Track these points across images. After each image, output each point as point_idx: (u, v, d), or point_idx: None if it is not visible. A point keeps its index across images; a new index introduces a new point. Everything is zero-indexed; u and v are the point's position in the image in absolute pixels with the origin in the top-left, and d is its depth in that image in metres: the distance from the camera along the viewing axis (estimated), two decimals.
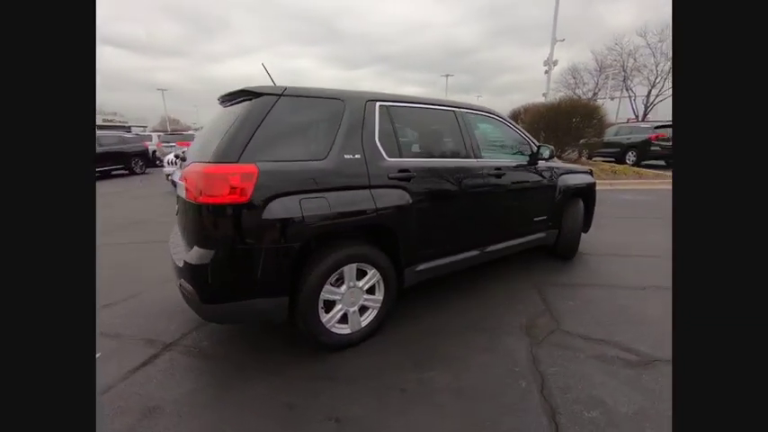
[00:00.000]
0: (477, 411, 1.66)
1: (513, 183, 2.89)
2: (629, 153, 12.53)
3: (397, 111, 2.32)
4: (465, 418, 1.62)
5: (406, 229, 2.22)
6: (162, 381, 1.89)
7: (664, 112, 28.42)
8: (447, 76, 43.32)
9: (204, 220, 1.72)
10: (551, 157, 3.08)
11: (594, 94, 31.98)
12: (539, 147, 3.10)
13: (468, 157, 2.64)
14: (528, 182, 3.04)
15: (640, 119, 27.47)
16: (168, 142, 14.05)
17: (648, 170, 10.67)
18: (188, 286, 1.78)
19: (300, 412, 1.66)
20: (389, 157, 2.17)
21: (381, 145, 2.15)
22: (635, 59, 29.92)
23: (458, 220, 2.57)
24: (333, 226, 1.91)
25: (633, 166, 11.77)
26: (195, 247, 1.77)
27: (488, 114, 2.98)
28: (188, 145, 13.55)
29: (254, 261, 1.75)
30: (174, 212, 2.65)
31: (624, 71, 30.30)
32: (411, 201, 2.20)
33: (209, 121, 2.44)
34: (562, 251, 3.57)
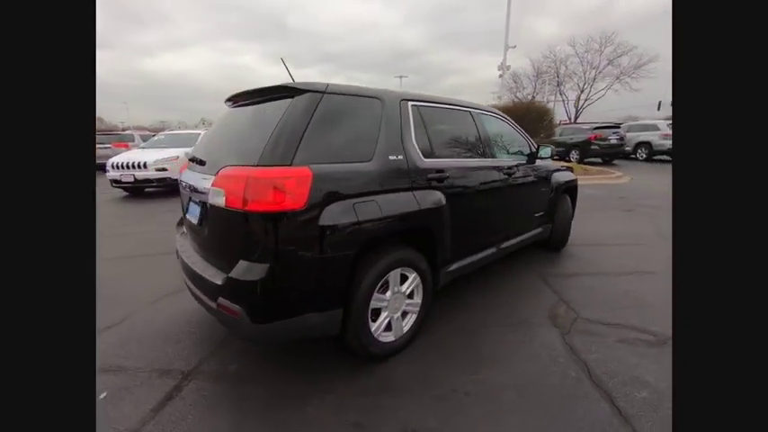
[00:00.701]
0: (543, 405, 1.70)
1: (521, 181, 3.02)
2: (573, 151, 13.81)
3: (426, 111, 2.29)
4: (537, 412, 1.65)
5: (442, 230, 2.20)
6: (199, 416, 1.66)
7: (593, 114, 31.67)
8: (401, 77, 44.09)
9: (254, 230, 1.53)
10: (551, 156, 3.27)
11: (533, 97, 34.54)
12: (538, 146, 3.27)
13: (485, 156, 2.70)
14: (532, 180, 3.20)
15: (572, 121, 30.30)
16: (103, 144, 12.41)
17: (592, 167, 11.86)
18: (232, 305, 1.58)
19: (375, 429, 1.57)
20: (425, 157, 2.14)
21: (417, 145, 2.11)
22: (566, 67, 32.98)
23: (481, 219, 2.62)
24: (383, 230, 1.83)
25: (578, 163, 13.00)
26: (241, 261, 1.57)
27: (494, 114, 3.07)
28: (125, 146, 12.11)
29: (309, 272, 1.60)
30: (177, 222, 2.36)
31: (558, 77, 33.24)
32: (445, 201, 2.19)
33: (228, 119, 2.17)
34: (555, 243, 3.82)
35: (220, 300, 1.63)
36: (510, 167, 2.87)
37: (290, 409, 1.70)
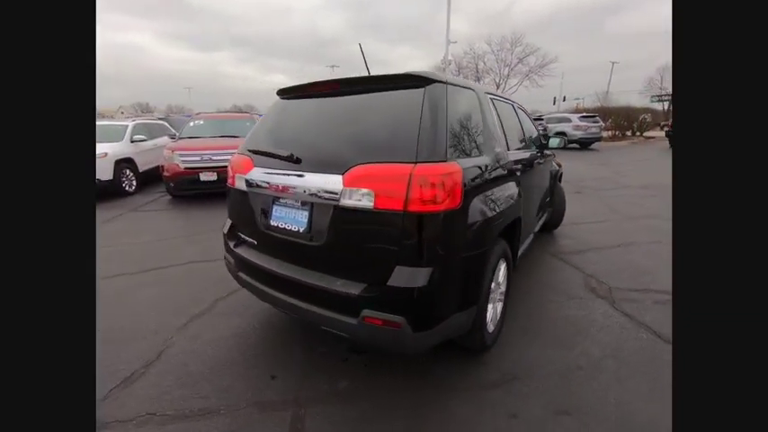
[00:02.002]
0: (642, 368, 1.93)
1: (543, 169, 3.29)
2: None
3: (497, 103, 2.33)
4: (639, 376, 1.87)
5: (521, 219, 2.30)
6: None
7: None
8: (333, 66, 42.67)
9: (415, 232, 1.41)
10: (563, 146, 3.61)
11: None
12: (548, 137, 3.59)
13: (527, 146, 2.87)
14: (548, 168, 3.50)
15: None
16: None
17: None
18: (390, 317, 1.44)
19: (530, 416, 1.61)
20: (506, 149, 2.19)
21: (503, 137, 2.15)
22: (484, 63, 35.89)
23: (530, 206, 2.79)
24: (503, 223, 1.84)
25: None
26: (399, 267, 1.44)
27: (520, 105, 3.26)
28: None
29: (462, 272, 1.55)
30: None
31: (477, 72, 36.01)
32: (520, 190, 2.29)
33: (318, 111, 1.89)
34: (553, 224, 4.26)
35: (367, 312, 1.47)
36: (539, 156, 3.10)
37: (438, 415, 1.64)
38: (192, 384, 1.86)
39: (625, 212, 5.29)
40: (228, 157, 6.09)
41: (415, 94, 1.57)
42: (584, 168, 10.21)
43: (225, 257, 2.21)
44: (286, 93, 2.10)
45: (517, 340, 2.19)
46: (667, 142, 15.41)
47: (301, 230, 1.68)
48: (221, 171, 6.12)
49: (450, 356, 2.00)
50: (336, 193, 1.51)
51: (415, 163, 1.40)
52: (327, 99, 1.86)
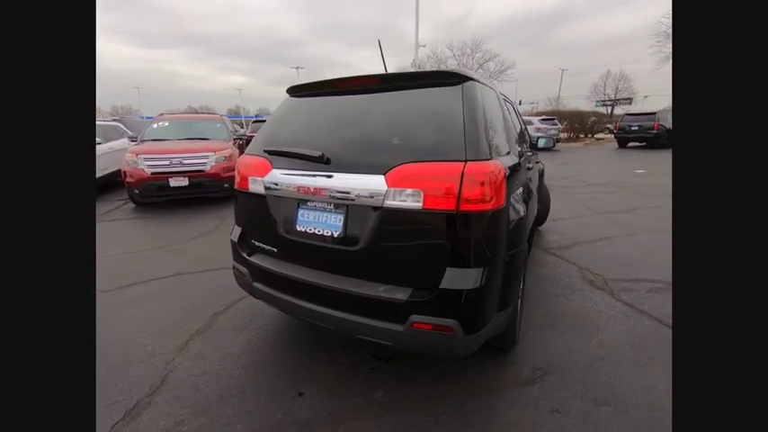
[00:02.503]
0: (657, 354, 2.04)
1: (536, 168, 3.41)
2: None
3: (506, 104, 2.37)
4: (658, 361, 1.98)
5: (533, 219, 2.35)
6: None
7: None
8: (297, 68, 41.57)
9: (467, 233, 1.37)
10: (552, 146, 3.77)
11: None
12: (537, 138, 3.73)
13: (525, 145, 2.95)
14: (538, 167, 3.63)
15: None
16: None
17: None
18: (442, 321, 1.39)
19: (571, 409, 1.63)
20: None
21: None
22: (447, 66, 36.97)
23: (535, 204, 2.87)
24: (533, 221, 1.86)
25: None
26: (450, 269, 1.39)
27: (516, 107, 3.36)
28: None
29: (506, 271, 1.53)
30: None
31: None
32: (532, 188, 2.34)
33: (345, 108, 1.80)
34: (541, 220, 4.43)
35: (416, 318, 1.41)
36: (535, 155, 3.21)
37: (483, 418, 1.61)
38: (210, 410, 1.68)
39: (595, 208, 5.65)
40: (204, 160, 5.85)
41: (453, 91, 1.54)
42: (549, 167, 10.79)
43: (234, 268, 2.04)
44: (299, 90, 1.98)
45: (537, 335, 2.23)
46: (616, 143, 16.81)
47: (336, 235, 1.58)
48: (193, 176, 5.72)
49: (477, 357, 1.98)
50: (380, 195, 1.44)
51: (465, 161, 1.36)
52: (352, 97, 1.78)
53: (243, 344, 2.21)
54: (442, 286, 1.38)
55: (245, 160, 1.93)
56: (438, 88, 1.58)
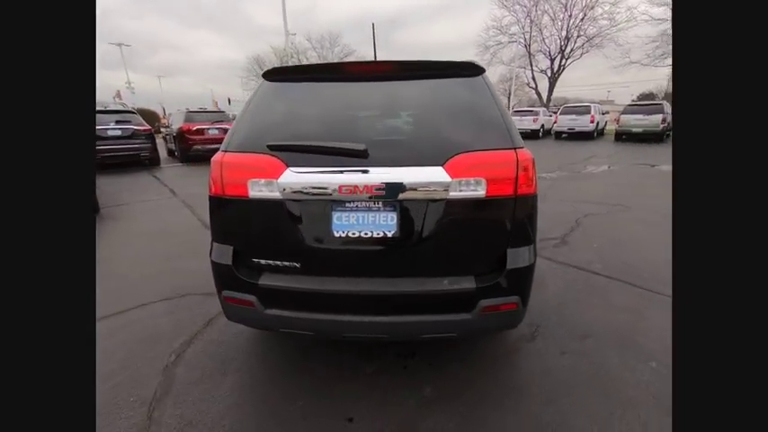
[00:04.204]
0: (593, 291, 2.70)
1: None
2: None
3: None
4: (595, 295, 2.63)
5: None
6: None
7: None
8: (120, 44, 32.35)
9: (525, 214, 1.49)
10: None
11: None
12: None
13: None
14: None
15: None
16: None
17: None
18: (508, 299, 1.48)
19: (570, 348, 2.00)
20: None
21: None
22: (306, 58, 36.30)
23: None
24: None
25: None
26: (510, 250, 1.48)
27: None
28: None
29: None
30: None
31: None
32: None
33: (371, 95, 1.60)
34: None
35: (484, 303, 1.46)
36: None
37: (516, 375, 1.81)
38: None
39: None
40: None
41: (478, 82, 1.61)
42: None
43: (228, 299, 1.59)
44: (288, 74, 1.66)
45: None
46: None
47: (390, 234, 1.44)
48: None
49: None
50: (444, 186, 1.39)
51: (515, 149, 1.47)
52: (367, 84, 1.62)
53: (235, 392, 1.76)
54: (509, 267, 1.47)
55: (235, 159, 1.51)
56: (462, 78, 1.62)
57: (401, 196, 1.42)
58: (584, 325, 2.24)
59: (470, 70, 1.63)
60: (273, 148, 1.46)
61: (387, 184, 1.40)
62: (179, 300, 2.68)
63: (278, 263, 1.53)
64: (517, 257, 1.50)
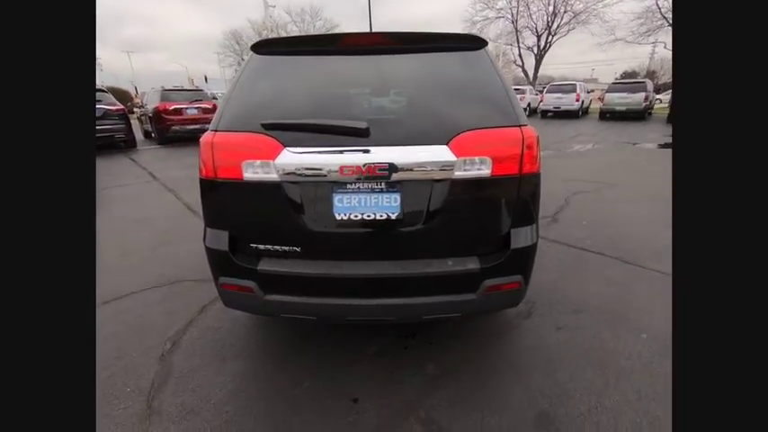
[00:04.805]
0: (583, 266, 2.77)
1: None
2: None
3: None
4: (586, 270, 2.70)
5: None
6: None
7: None
8: None
9: (529, 193, 1.47)
10: None
11: None
12: None
13: None
14: None
15: None
16: None
17: None
18: (511, 279, 1.49)
19: (564, 323, 2.06)
20: None
21: None
22: (287, 32, 34.71)
23: None
24: None
25: None
26: (514, 230, 1.47)
27: None
28: None
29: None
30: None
31: None
32: None
33: (369, 69, 1.52)
34: None
35: (488, 283, 1.46)
36: None
37: (516, 351, 1.85)
38: None
39: None
40: None
41: (480, 55, 1.54)
42: None
43: (225, 286, 1.53)
44: (279, 47, 1.55)
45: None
46: None
47: (393, 216, 1.40)
48: None
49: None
50: (449, 166, 1.35)
51: (520, 126, 1.43)
52: (364, 58, 1.53)
53: (236, 378, 1.74)
54: (513, 247, 1.46)
55: (227, 139, 1.42)
56: (463, 52, 1.55)
57: (404, 177, 1.37)
58: (578, 300, 2.31)
59: (472, 43, 1.56)
60: (268, 127, 1.37)
61: (390, 164, 1.35)
62: (169, 287, 2.61)
63: (277, 248, 1.48)
64: (521, 237, 1.49)
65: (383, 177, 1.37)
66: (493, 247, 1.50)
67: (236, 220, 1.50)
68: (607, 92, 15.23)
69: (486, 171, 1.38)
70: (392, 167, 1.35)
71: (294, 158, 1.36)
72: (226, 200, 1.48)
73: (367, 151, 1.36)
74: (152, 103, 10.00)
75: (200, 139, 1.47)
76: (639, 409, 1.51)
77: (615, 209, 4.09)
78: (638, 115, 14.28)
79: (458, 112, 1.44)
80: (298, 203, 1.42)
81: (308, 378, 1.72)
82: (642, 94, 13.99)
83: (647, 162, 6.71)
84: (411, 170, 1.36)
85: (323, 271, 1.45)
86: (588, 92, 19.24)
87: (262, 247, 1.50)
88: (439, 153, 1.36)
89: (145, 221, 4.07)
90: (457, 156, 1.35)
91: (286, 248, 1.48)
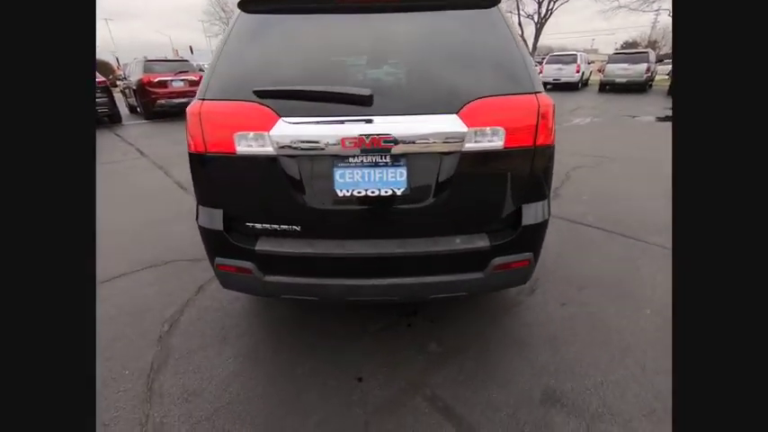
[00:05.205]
0: (582, 243, 2.74)
1: None
2: None
3: None
4: (587, 248, 2.67)
5: None
6: None
7: None
8: None
9: (542, 167, 1.39)
10: None
11: None
12: None
13: None
14: None
15: None
16: None
17: None
18: (520, 257, 1.44)
19: (570, 298, 2.05)
20: None
21: None
22: None
23: None
24: None
25: None
26: (525, 206, 1.40)
27: None
28: None
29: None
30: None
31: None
32: None
33: (367, 31, 1.38)
34: None
35: (498, 261, 1.41)
36: None
37: (520, 328, 1.84)
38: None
39: None
40: None
41: (492, 14, 1.40)
42: None
43: (220, 267, 1.46)
44: (276, 2, 1.39)
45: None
46: None
47: (399, 192, 1.32)
48: None
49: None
50: (459, 137, 1.25)
51: (535, 94, 1.32)
52: (362, 16, 1.37)
53: (238, 358, 1.71)
54: (524, 223, 1.39)
55: (216, 109, 1.29)
56: (474, 10, 1.40)
57: (411, 149, 1.27)
58: (581, 276, 2.29)
59: (484, 0, 1.42)
60: (261, 95, 1.25)
61: (395, 135, 1.24)
62: (164, 267, 2.54)
63: (276, 227, 1.40)
64: (532, 213, 1.42)
65: (388, 150, 1.27)
66: (503, 223, 1.43)
67: (230, 198, 1.41)
68: (608, 62, 14.79)
69: (498, 143, 1.29)
70: (397, 139, 1.25)
71: (291, 129, 1.25)
72: (218, 176, 1.37)
73: (370, 121, 1.25)
74: (135, 75, 9.48)
75: (187, 110, 1.34)
76: (645, 383, 1.51)
77: (616, 183, 4.03)
78: (640, 87, 13.96)
79: (469, 78, 1.32)
80: (296, 179, 1.32)
81: (311, 357, 1.70)
82: (644, 65, 13.61)
83: (647, 136, 6.61)
84: (418, 142, 1.26)
85: (324, 251, 1.37)
86: (588, 63, 18.69)
87: (259, 226, 1.41)
88: (449, 123, 1.25)
89: (135, 200, 3.93)
90: (468, 126, 1.25)
91: (285, 227, 1.39)
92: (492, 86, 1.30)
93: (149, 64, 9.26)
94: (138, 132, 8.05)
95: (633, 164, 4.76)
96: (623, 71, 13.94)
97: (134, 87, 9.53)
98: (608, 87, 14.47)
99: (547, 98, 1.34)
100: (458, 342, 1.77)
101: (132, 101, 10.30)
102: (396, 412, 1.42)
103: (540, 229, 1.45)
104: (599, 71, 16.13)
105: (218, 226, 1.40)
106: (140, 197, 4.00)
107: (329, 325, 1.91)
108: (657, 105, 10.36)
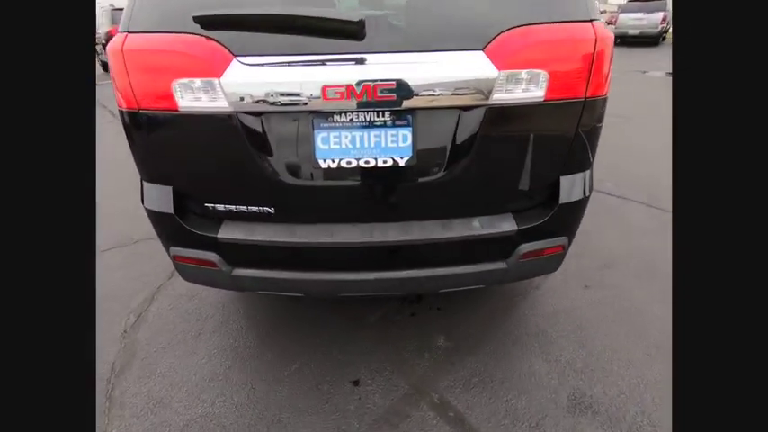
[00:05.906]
0: (607, 221, 2.46)
1: None
2: None
3: None
4: (611, 227, 2.40)
5: None
6: None
7: None
8: None
9: (591, 126, 1.06)
10: None
11: None
12: None
13: None
14: None
15: None
16: None
17: None
18: (552, 243, 1.15)
19: (594, 280, 1.81)
20: None
21: None
22: None
23: None
24: None
25: None
26: (563, 178, 1.09)
27: None
28: None
29: None
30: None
31: None
32: None
33: None
34: None
35: (526, 248, 1.11)
36: None
37: (541, 313, 1.61)
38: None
39: None
40: None
41: None
42: None
43: (177, 258, 1.16)
44: None
45: None
46: None
47: (402, 162, 0.99)
48: None
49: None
50: (486, 84, 0.90)
51: (590, 21, 0.95)
52: None
53: (214, 358, 1.47)
54: (562, 201, 1.09)
55: (147, 45, 0.92)
56: None
57: (419, 103, 0.93)
58: (605, 253, 2.03)
59: None
60: (206, 23, 0.87)
61: (398, 81, 0.89)
62: (133, 246, 2.25)
63: (242, 208, 1.08)
64: (573, 188, 1.11)
65: (389, 103, 0.92)
66: (534, 201, 1.12)
67: (178, 171, 1.07)
68: (621, 12, 13.63)
69: (537, 93, 0.94)
70: (401, 87, 0.89)
71: (249, 74, 0.89)
72: (159, 142, 1.02)
73: (361, 61, 0.89)
74: (102, 26, 8.53)
75: (107, 48, 0.96)
76: None
77: (633, 145, 3.69)
78: (653, 40, 12.99)
79: None
80: (264, 145, 0.98)
81: (300, 356, 1.46)
82: (660, 14, 12.55)
83: (655, 91, 6.15)
84: (429, 92, 0.91)
85: (306, 239, 1.07)
86: (600, 12, 17.31)
87: (221, 207, 1.09)
88: (472, 63, 0.89)
89: (103, 168, 3.53)
90: (498, 68, 0.90)
91: (254, 209, 1.07)
92: (531, 10, 0.93)
93: (116, 13, 8.26)
94: (111, 93, 7.36)
95: (650, 123, 4.38)
96: (637, 21, 12.89)
97: (103, 42, 8.60)
98: (618, 41, 13.41)
99: (605, 29, 0.98)
100: (469, 336, 1.54)
101: (104, 57, 9.38)
102: (398, 426, 1.20)
103: (579, 207, 1.15)
104: (609, 23, 14.92)
105: (168, 208, 1.08)
106: (109, 165, 3.60)
107: (321, 314, 1.66)
108: (669, 60, 9.68)
